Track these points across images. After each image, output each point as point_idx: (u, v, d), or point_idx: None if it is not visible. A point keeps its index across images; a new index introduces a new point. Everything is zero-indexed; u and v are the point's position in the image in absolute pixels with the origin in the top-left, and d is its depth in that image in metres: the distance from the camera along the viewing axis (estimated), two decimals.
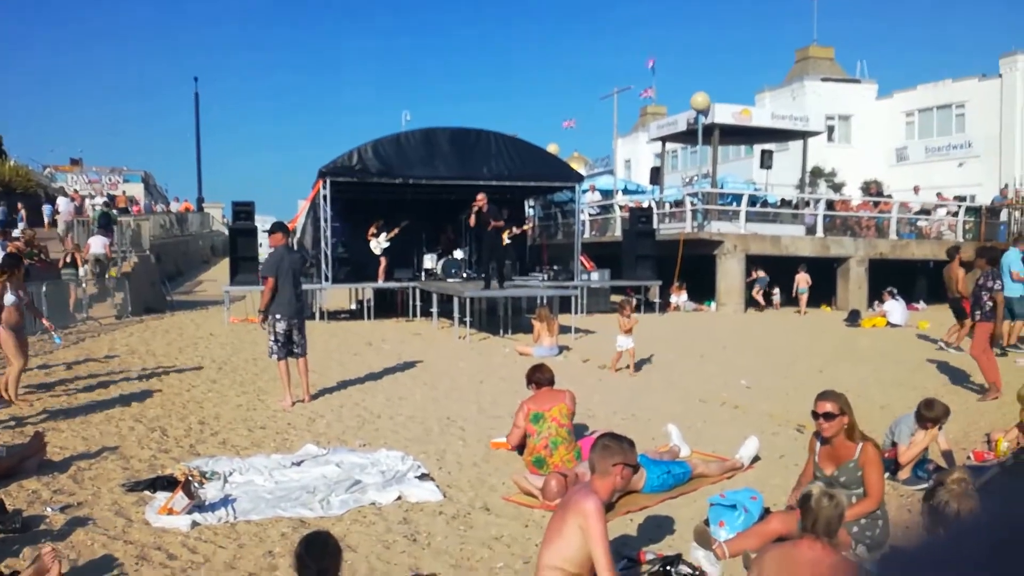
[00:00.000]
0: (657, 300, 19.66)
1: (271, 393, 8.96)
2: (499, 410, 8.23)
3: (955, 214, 24.11)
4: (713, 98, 22.77)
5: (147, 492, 5.38)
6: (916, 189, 27.33)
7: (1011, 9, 77.43)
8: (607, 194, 30.43)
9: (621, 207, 25.72)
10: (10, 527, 4.62)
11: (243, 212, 17.67)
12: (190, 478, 5.24)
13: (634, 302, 11.00)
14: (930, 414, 5.66)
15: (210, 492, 5.32)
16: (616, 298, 21.79)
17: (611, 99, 36.37)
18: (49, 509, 5.03)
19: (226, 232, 27.82)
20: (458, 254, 19.19)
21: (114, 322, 16.82)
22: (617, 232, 24.08)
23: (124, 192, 39.88)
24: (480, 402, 8.68)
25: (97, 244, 19.99)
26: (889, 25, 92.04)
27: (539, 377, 6.29)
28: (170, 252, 28.38)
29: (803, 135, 24.76)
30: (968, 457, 6.27)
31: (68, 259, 18.34)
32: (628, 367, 10.70)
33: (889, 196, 27.40)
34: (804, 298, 20.43)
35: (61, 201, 26.62)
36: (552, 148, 29.85)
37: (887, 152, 35.05)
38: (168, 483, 5.38)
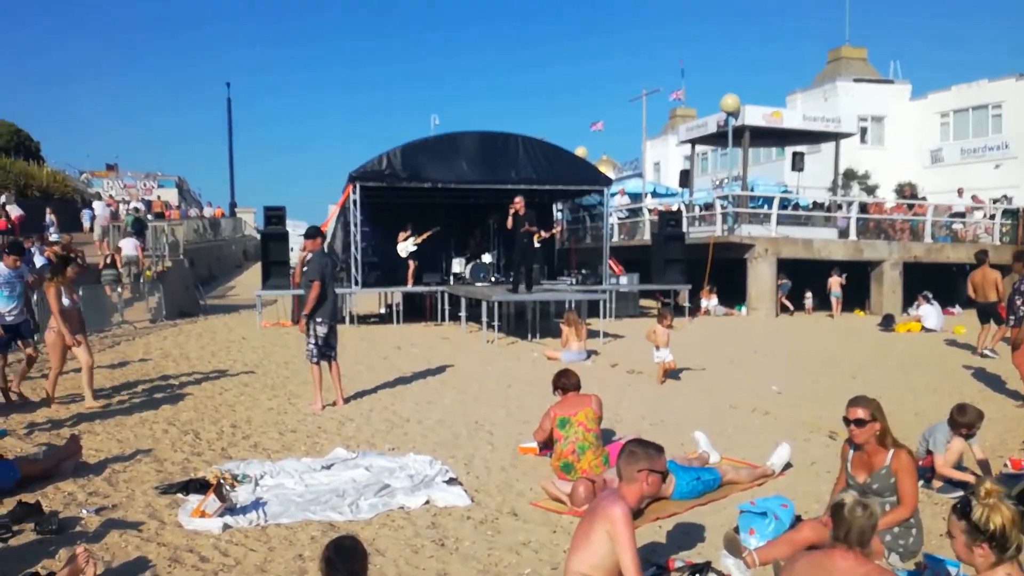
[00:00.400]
0: (687, 304, 19.53)
1: (302, 397, 9.04)
2: (527, 415, 8.22)
3: (992, 217, 23.66)
4: (743, 100, 22.61)
5: (180, 495, 5.45)
6: (960, 191, 26.80)
7: None
8: (636, 197, 30.32)
9: (650, 210, 25.61)
10: (47, 529, 4.71)
11: (274, 217, 17.86)
12: (222, 481, 5.30)
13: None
14: (963, 419, 5.57)
15: (241, 495, 5.38)
16: (647, 303, 21.75)
17: (640, 101, 36.18)
18: (84, 511, 5.11)
19: (258, 237, 28.15)
20: (486, 258, 19.22)
21: (149, 326, 17.09)
22: (646, 236, 23.98)
23: (159, 197, 40.53)
24: (508, 406, 8.69)
25: (129, 246, 20.51)
26: (923, 25, 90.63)
27: (565, 383, 6.29)
28: (203, 256, 28.81)
29: (835, 137, 24.48)
30: (1005, 464, 6.14)
31: (108, 260, 19.07)
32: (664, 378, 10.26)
33: (924, 198, 26.99)
34: (837, 301, 20.28)
35: (97, 206, 27.16)
36: (580, 151, 29.82)
37: (921, 154, 34.49)
38: (200, 486, 5.44)
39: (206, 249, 30.93)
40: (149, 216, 26.66)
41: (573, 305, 14.74)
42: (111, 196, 38.57)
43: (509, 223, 14.86)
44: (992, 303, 12.63)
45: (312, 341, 8.55)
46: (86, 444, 6.60)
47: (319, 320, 8.50)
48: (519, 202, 14.53)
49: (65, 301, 8.25)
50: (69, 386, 9.43)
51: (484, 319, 14.51)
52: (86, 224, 28.09)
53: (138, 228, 23.08)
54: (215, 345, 13.93)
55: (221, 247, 35.21)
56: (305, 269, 8.98)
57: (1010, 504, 3.21)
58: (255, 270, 27.22)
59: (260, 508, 5.18)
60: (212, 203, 45.54)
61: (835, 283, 20.37)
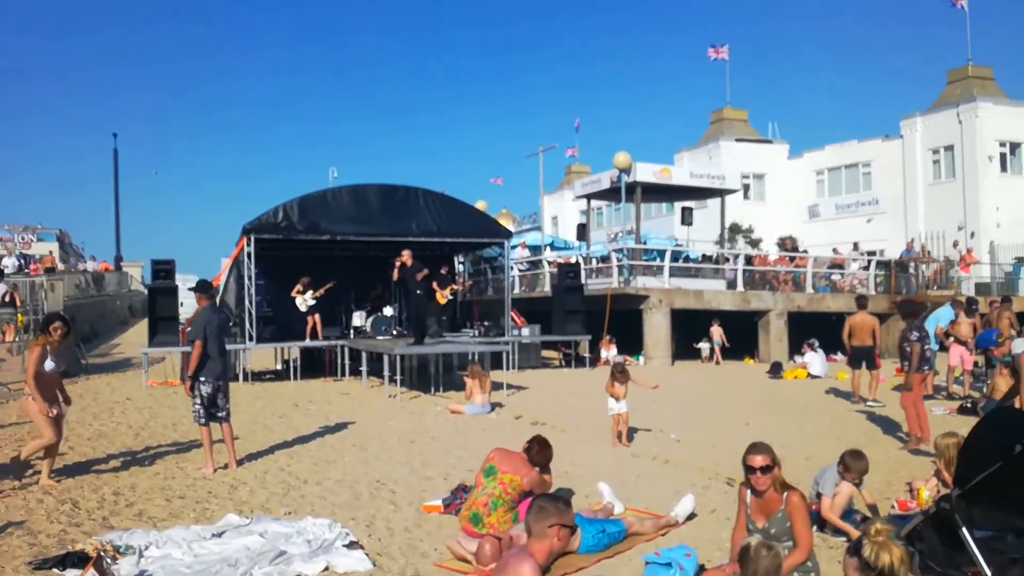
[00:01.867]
0: (587, 355, 19.81)
1: (191, 460, 8.59)
2: (431, 471, 8.08)
3: (867, 268, 25.21)
4: (634, 157, 23.51)
5: (56, 570, 5.05)
6: (835, 250, 28.50)
7: (908, 74, 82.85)
8: (536, 250, 30.81)
9: (550, 263, 26.04)
10: None
11: (163, 271, 17.16)
12: (102, 553, 4.95)
13: (627, 369, 10.32)
14: (856, 465, 5.75)
15: (124, 568, 5.02)
16: (549, 354, 21.94)
17: (536, 157, 37.05)
18: None
19: (145, 291, 26.96)
20: (388, 311, 19.01)
21: (24, 388, 15.96)
22: (546, 287, 24.33)
23: (51, 252, 38.13)
24: (411, 463, 8.51)
25: None
26: (797, 89, 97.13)
27: (535, 457, 6.18)
28: (86, 313, 27.26)
29: (720, 193, 25.68)
30: (892, 507, 6.43)
31: (7, 299, 19.28)
32: (622, 438, 9.65)
33: (805, 251, 28.53)
34: (718, 349, 21.20)
35: None
36: (480, 204, 30.18)
37: (800, 209, 36.63)
38: (79, 559, 5.06)
39: (89, 305, 29.33)
40: (37, 272, 24.77)
41: (476, 357, 14.70)
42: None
43: (395, 275, 14.98)
44: (868, 347, 13.27)
45: (197, 401, 8.18)
46: None
47: (203, 379, 8.14)
48: (406, 255, 14.59)
49: (50, 363, 7.53)
50: None
51: (386, 373, 14.27)
52: None
53: None
54: (97, 407, 13.12)
55: (105, 302, 33.46)
56: (184, 327, 8.66)
57: (899, 543, 3.38)
58: (142, 326, 25.98)
59: None
60: (96, 257, 43.33)
61: (716, 332, 21.34)
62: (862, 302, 13.99)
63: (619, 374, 9.72)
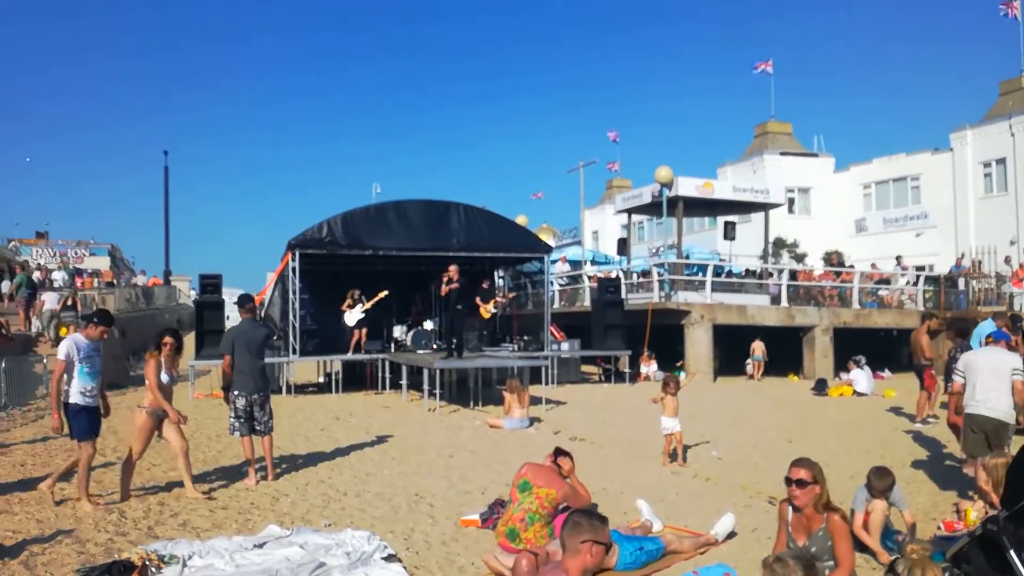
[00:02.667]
0: (627, 370, 19.69)
1: (234, 471, 8.73)
2: (469, 485, 8.10)
3: (915, 283, 24.67)
4: (676, 172, 23.38)
5: None
6: (873, 265, 27.99)
7: (959, 85, 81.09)
8: (576, 264, 30.77)
9: (590, 277, 25.97)
10: None
11: (210, 285, 17.55)
12: (147, 563, 5.05)
13: (680, 378, 10.34)
14: (879, 483, 5.63)
15: None
16: (589, 368, 21.84)
17: (577, 172, 37.07)
18: None
19: (192, 305, 27.53)
20: (428, 325, 19.14)
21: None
22: (586, 302, 24.26)
23: (110, 267, 39.29)
24: (450, 477, 8.54)
25: (51, 300, 20.45)
26: (843, 101, 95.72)
27: (560, 462, 6.32)
28: (135, 326, 27.94)
29: (764, 207, 25.40)
30: (939, 527, 6.27)
31: (68, 302, 20.85)
32: (677, 457, 9.37)
33: (851, 266, 28.04)
34: (759, 365, 20.96)
35: (48, 296, 25.26)
36: (521, 219, 30.29)
37: (846, 223, 35.99)
38: (124, 568, 5.17)
39: (138, 318, 30.06)
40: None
41: (515, 372, 14.72)
42: (40, 264, 37.42)
43: (444, 291, 15.11)
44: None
45: (232, 414, 8.33)
46: (2, 524, 6.26)
47: (236, 393, 8.28)
48: (453, 270, 14.72)
49: (164, 377, 7.70)
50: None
51: (425, 387, 14.36)
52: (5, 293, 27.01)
53: (30, 289, 22.54)
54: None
55: (154, 316, 34.27)
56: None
57: (933, 563, 3.34)
58: (189, 339, 26.48)
59: None
60: (146, 272, 44.41)
61: (758, 347, 21.07)
62: (925, 317, 13.60)
63: (671, 384, 9.53)
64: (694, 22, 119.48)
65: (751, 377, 21.08)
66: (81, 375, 7.14)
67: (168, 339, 7.90)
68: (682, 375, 20.54)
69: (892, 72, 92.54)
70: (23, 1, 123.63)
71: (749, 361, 21.47)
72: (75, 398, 7.11)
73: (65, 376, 7.05)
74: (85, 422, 7.17)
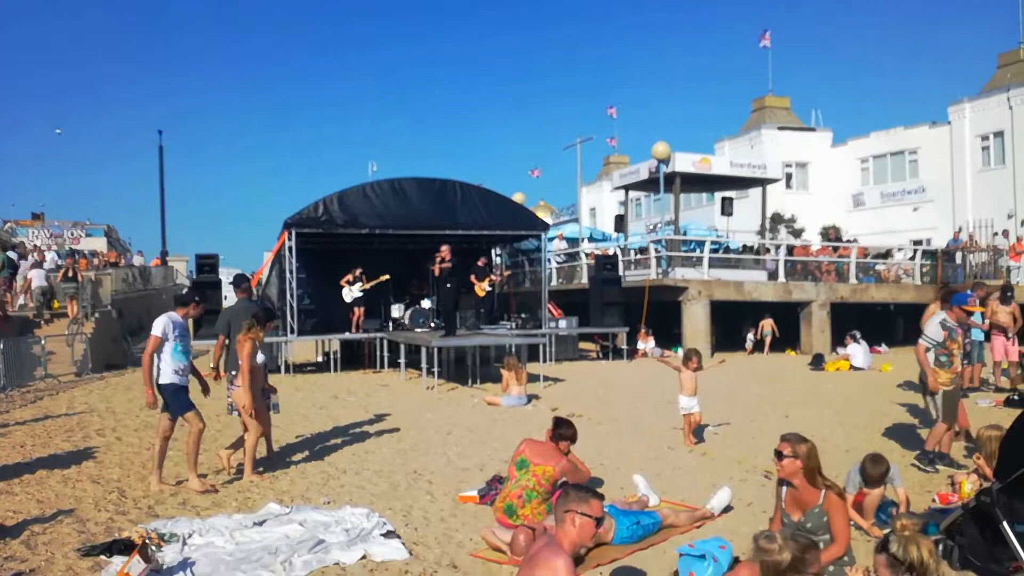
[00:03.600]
0: (625, 347, 19.74)
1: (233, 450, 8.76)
2: (467, 462, 8.15)
3: (912, 257, 24.69)
4: (673, 147, 23.27)
5: (103, 557, 5.20)
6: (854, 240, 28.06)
7: (956, 58, 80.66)
8: (573, 242, 30.72)
9: (587, 255, 25.95)
10: None
11: (207, 265, 17.52)
12: (147, 541, 5.08)
13: (667, 354, 10.11)
14: (874, 471, 5.62)
15: (168, 555, 5.16)
16: (586, 346, 21.90)
17: (574, 149, 36.87)
18: None
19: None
20: (425, 304, 19.15)
21: (74, 379, 16.46)
22: (584, 279, 24.27)
23: (112, 248, 39.10)
24: (448, 454, 8.59)
25: (39, 276, 20.45)
26: (841, 75, 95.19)
27: (561, 432, 6.28)
28: (133, 307, 27.93)
29: (762, 182, 25.32)
30: (933, 500, 6.32)
31: (70, 274, 20.87)
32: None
33: (854, 240, 28.01)
34: (768, 341, 21.04)
35: (35, 273, 25.31)
36: (518, 197, 30.21)
37: (844, 198, 35.92)
38: (125, 547, 5.20)
39: (136, 299, 30.03)
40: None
41: (513, 349, 14.75)
42: (36, 245, 37.24)
43: (436, 270, 15.33)
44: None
45: (229, 394, 8.36)
46: (3, 505, 6.29)
47: (233, 373, 8.27)
48: (445, 250, 14.86)
49: (261, 357, 7.70)
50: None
51: (424, 365, 14.39)
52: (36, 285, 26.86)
53: (12, 269, 22.46)
54: (143, 399, 13.42)
55: (151, 296, 34.22)
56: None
57: (925, 537, 3.38)
58: None
59: (188, 568, 4.98)
60: (143, 252, 44.28)
61: (767, 324, 21.18)
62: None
63: (694, 358, 9.07)
64: None
65: (751, 353, 21.20)
66: (175, 353, 7.13)
67: (272, 321, 8.00)
68: (678, 351, 20.62)
69: (890, 46, 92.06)
70: None
71: (750, 336, 21.59)
72: (169, 377, 7.10)
73: (155, 354, 7.02)
74: (185, 398, 7.21)
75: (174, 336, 7.11)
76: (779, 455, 4.51)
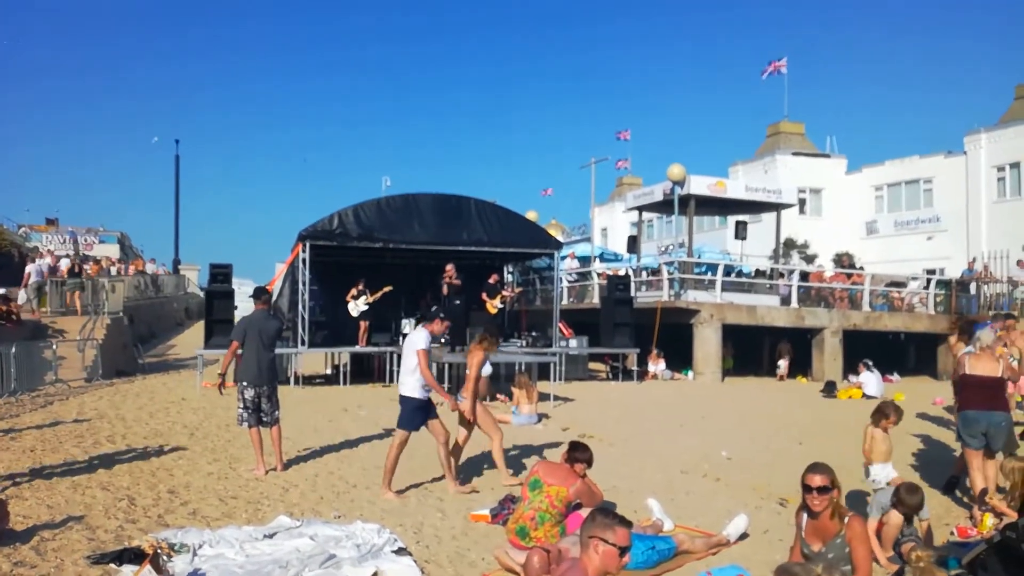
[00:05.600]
0: (635, 368, 19.64)
1: (243, 461, 8.74)
2: (478, 481, 8.07)
3: (926, 286, 24.54)
4: (688, 170, 23.27)
5: (113, 565, 5.16)
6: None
7: (973, 89, 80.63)
8: (585, 261, 30.70)
9: (599, 274, 25.91)
10: None
11: (220, 274, 17.55)
12: (158, 551, 5.04)
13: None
14: (911, 500, 5.54)
15: (178, 566, 5.11)
16: (596, 366, 21.80)
17: (588, 169, 36.96)
18: None
19: (201, 294, 27.58)
20: None
21: (83, 385, 16.48)
22: (595, 299, 24.21)
23: (106, 256, 39.38)
24: (460, 472, 8.50)
25: (36, 272, 21.57)
26: (856, 103, 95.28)
27: (575, 455, 6.23)
28: (144, 314, 28.02)
29: (777, 207, 25.27)
30: (952, 533, 6.22)
31: (76, 269, 21.78)
32: None
33: (861, 268, 27.89)
34: (786, 366, 21.22)
35: (32, 268, 25.50)
36: (531, 215, 30.20)
37: (857, 225, 35.83)
38: (135, 556, 5.16)
39: (147, 306, 30.14)
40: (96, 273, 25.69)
41: (524, 367, 14.69)
42: (50, 250, 37.49)
43: (444, 289, 15.77)
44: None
45: (240, 405, 8.35)
46: (13, 510, 6.25)
47: (244, 383, 8.29)
48: (450, 270, 15.33)
49: (488, 368, 7.76)
50: None
51: None
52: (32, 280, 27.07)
53: None
54: (153, 406, 13.45)
55: (162, 304, 34.35)
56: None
57: (942, 569, 3.31)
58: (197, 328, 26.57)
59: None
60: (156, 260, 44.48)
61: (785, 349, 21.15)
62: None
63: (892, 414, 7.13)
64: (707, 20, 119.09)
65: (781, 378, 21.20)
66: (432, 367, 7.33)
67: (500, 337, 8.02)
68: (688, 374, 20.50)
69: (906, 75, 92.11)
70: None
71: (782, 363, 21.53)
72: (415, 391, 7.30)
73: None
74: (420, 418, 7.39)
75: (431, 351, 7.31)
76: (823, 489, 4.37)
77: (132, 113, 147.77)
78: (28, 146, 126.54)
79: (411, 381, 7.31)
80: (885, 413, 7.02)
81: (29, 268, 22.02)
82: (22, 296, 21.80)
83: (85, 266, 25.18)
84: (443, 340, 18.08)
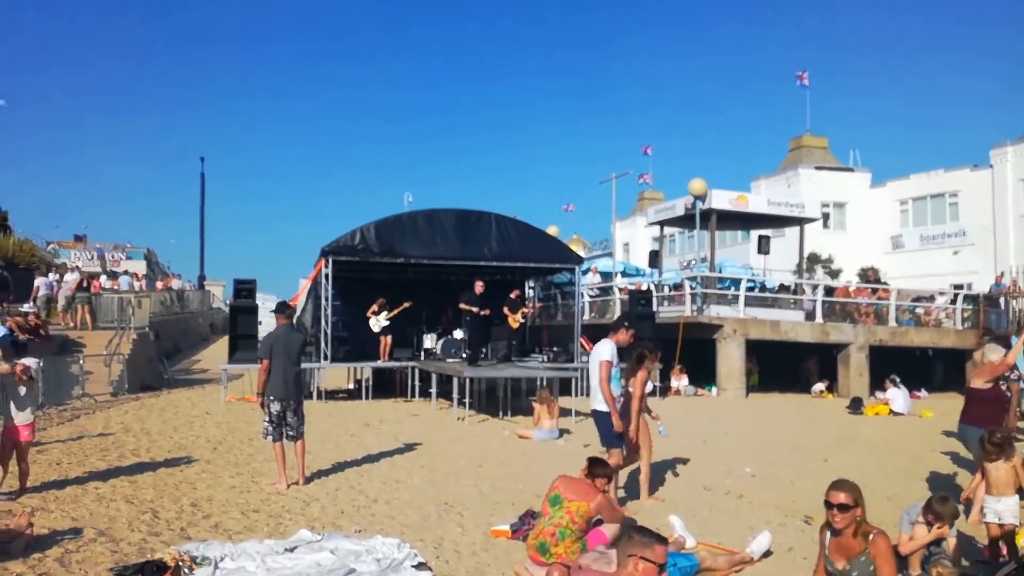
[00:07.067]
0: (657, 384, 19.52)
1: (266, 475, 8.78)
2: (499, 495, 8.05)
3: (953, 301, 24.21)
4: (710, 184, 23.20)
5: None
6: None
7: (999, 102, 79.74)
8: (607, 276, 30.64)
9: (620, 289, 25.83)
10: None
11: (244, 290, 17.71)
12: (180, 563, 5.07)
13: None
14: (943, 510, 5.46)
15: None
16: (678, 388, 21.69)
17: (609, 184, 36.95)
18: None
19: (226, 309, 27.85)
20: (458, 334, 19.13)
21: (109, 399, 16.66)
22: (616, 314, 24.11)
23: (175, 276, 39.94)
24: (480, 486, 8.50)
25: (45, 286, 21.88)
26: (880, 116, 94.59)
27: (594, 470, 6.17)
28: (169, 329, 28.33)
29: (799, 221, 25.08)
30: (978, 550, 6.10)
31: (84, 284, 22.41)
32: None
33: (887, 284, 27.59)
34: (823, 385, 21.28)
35: (41, 281, 25.46)
36: (552, 230, 30.24)
37: (882, 239, 35.45)
38: (157, 568, 5.19)
39: (172, 322, 30.48)
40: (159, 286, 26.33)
41: (545, 383, 14.66)
42: (77, 266, 38.05)
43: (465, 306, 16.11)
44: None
45: (266, 419, 8.39)
46: (38, 521, 6.32)
47: (271, 397, 8.33)
48: (479, 286, 15.64)
49: (648, 387, 7.62)
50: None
51: (455, 395, 14.35)
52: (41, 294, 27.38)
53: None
54: (177, 420, 13.57)
55: (188, 319, 34.73)
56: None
57: None
58: (221, 343, 26.80)
59: None
60: (182, 276, 45.08)
61: (812, 365, 21.05)
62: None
63: (1008, 447, 5.92)
64: (730, 34, 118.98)
65: (820, 395, 21.02)
66: (615, 380, 7.20)
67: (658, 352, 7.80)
68: (712, 390, 20.33)
69: (930, 88, 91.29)
70: (57, 7, 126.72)
71: (819, 386, 21.34)
72: (606, 405, 7.17)
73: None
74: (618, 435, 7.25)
75: (616, 363, 7.15)
76: (843, 507, 4.31)
77: (158, 130, 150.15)
78: (58, 162, 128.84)
79: (600, 394, 7.15)
80: (1005, 444, 5.94)
81: (38, 281, 22.40)
82: (61, 303, 22.36)
83: (100, 280, 25.76)
84: (464, 355, 18.18)
